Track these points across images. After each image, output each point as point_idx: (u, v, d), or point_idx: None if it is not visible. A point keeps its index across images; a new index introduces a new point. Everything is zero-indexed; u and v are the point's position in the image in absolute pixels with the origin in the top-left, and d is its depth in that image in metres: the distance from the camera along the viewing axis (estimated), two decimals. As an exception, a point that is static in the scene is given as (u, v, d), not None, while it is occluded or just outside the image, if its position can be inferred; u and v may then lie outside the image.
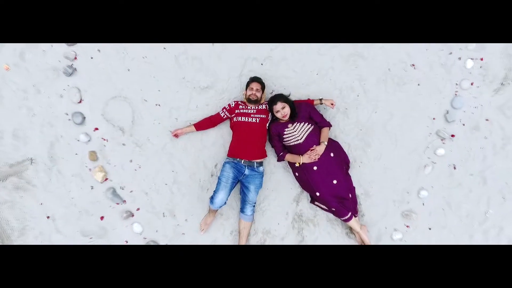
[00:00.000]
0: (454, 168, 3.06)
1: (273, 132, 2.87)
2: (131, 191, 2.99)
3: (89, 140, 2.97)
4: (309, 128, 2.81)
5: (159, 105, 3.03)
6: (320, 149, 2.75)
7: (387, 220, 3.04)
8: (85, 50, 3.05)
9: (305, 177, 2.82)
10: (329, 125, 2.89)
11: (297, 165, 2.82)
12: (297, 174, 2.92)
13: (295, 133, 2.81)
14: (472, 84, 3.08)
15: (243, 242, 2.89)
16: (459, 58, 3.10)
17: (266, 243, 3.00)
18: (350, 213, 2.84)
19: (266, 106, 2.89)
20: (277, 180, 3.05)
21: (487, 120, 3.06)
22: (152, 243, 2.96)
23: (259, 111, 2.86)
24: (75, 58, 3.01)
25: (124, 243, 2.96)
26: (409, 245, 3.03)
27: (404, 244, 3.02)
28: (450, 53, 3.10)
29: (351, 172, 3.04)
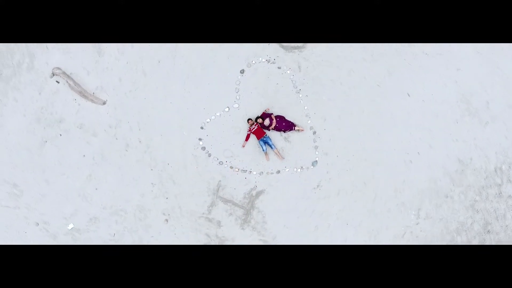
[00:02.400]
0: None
1: (263, 127, 10.14)
2: (250, 171, 10.31)
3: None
4: (268, 119, 10.07)
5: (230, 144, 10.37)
6: (274, 121, 10.01)
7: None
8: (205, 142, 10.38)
9: (276, 129, 10.09)
10: (272, 114, 10.11)
11: (271, 128, 10.09)
12: (275, 129, 10.19)
13: (266, 122, 10.08)
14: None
15: (280, 154, 10.17)
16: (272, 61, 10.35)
17: (280, 149, 10.29)
18: (294, 127, 10.11)
19: (256, 122, 10.11)
20: (272, 135, 10.32)
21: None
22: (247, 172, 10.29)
23: (257, 126, 10.06)
24: (201, 142, 10.34)
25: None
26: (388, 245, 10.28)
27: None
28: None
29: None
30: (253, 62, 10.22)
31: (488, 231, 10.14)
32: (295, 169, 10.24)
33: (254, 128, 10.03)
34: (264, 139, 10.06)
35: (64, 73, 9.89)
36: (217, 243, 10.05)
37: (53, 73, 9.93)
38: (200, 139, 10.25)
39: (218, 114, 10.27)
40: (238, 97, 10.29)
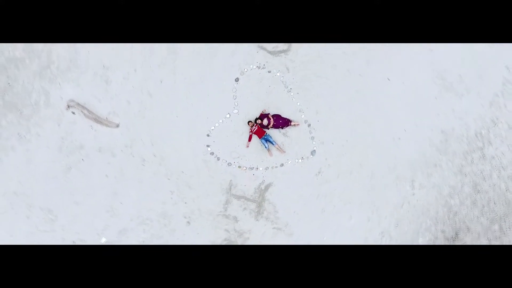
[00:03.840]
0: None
1: (263, 126, 11.22)
2: (257, 168, 11.42)
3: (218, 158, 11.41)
4: (266, 119, 11.15)
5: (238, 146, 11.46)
6: (272, 120, 11.09)
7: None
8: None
9: (274, 127, 11.16)
10: (269, 114, 11.20)
11: (270, 126, 11.19)
12: (273, 127, 11.26)
13: (265, 122, 11.16)
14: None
15: (281, 149, 11.26)
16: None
17: (281, 144, 11.40)
18: (291, 122, 11.20)
19: (255, 123, 11.19)
20: (272, 133, 11.42)
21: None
22: (255, 169, 11.38)
23: (257, 126, 11.16)
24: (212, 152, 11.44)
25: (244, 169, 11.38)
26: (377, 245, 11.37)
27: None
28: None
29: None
30: (246, 70, 11.31)
31: (478, 191, 11.20)
32: (296, 160, 11.33)
33: (254, 129, 11.11)
34: (265, 137, 11.15)
35: (78, 104, 10.97)
36: (236, 237, 11.14)
37: (68, 106, 11.02)
38: (208, 146, 11.34)
39: (220, 121, 11.36)
40: (236, 103, 11.38)
